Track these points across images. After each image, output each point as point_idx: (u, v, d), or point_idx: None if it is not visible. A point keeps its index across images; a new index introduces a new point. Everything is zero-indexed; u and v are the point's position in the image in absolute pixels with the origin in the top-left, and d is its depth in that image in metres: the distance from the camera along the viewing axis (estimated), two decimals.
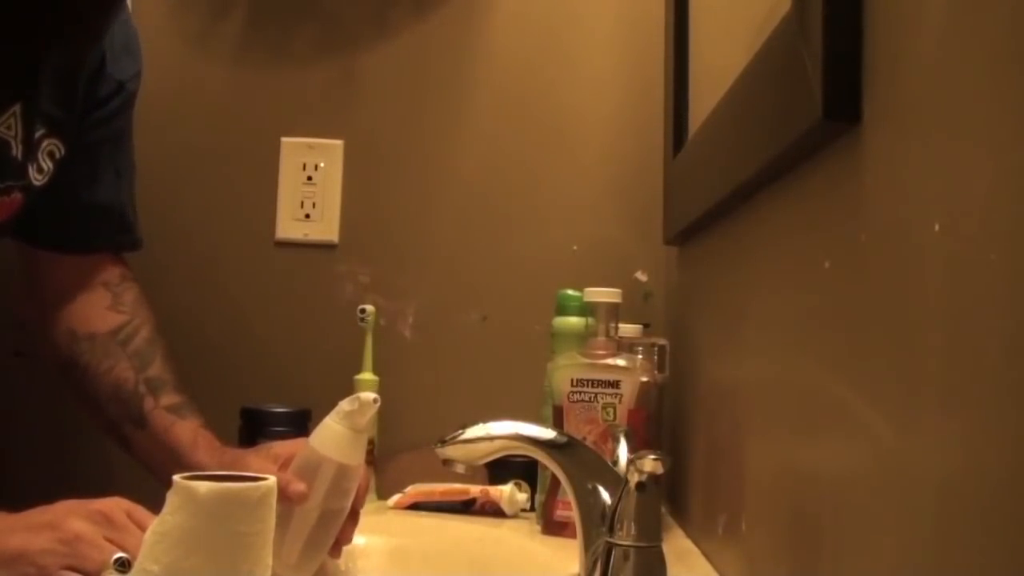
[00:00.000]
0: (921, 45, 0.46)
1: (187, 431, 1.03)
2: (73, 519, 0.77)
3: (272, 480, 0.67)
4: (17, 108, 0.94)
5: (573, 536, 0.75)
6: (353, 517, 0.91)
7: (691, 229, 1.08)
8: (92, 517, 0.78)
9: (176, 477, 0.66)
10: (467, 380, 1.37)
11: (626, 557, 0.64)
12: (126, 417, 1.06)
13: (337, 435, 0.88)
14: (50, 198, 1.02)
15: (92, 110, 1.07)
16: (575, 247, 1.38)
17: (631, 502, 0.64)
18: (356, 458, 0.88)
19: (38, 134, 0.97)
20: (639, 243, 1.36)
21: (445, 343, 1.38)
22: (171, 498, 0.66)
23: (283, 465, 0.89)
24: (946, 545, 0.41)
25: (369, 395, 0.88)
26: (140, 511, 0.79)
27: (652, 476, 0.64)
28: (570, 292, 1.18)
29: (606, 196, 1.38)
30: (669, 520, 1.10)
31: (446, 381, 1.37)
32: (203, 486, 0.65)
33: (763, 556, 0.73)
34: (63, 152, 1.01)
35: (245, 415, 1.21)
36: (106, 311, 1.11)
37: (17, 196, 0.97)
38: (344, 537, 0.90)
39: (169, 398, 1.07)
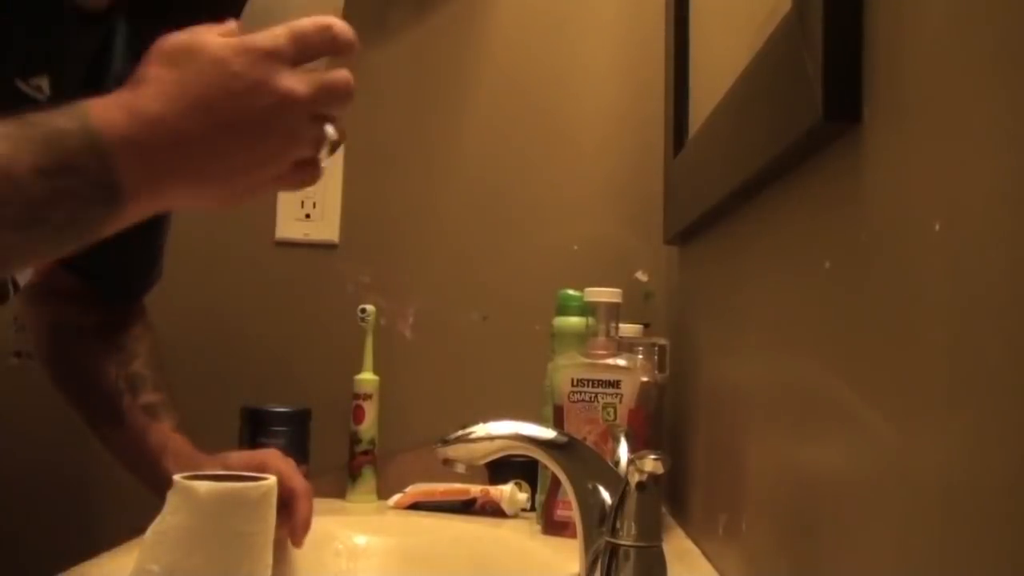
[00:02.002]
0: (921, 45, 0.46)
1: (159, 436, 1.02)
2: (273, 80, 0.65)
3: (272, 480, 0.67)
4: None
5: (573, 536, 0.75)
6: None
7: (691, 229, 1.08)
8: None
9: (176, 477, 0.66)
10: (467, 380, 1.37)
11: (626, 557, 0.64)
12: (104, 413, 1.05)
13: None
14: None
15: None
16: (575, 247, 1.38)
17: (631, 502, 0.64)
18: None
19: None
20: (639, 243, 1.36)
21: (445, 343, 1.38)
22: (171, 498, 0.66)
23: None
24: (947, 545, 0.41)
25: None
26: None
27: (652, 476, 0.63)
28: (570, 292, 1.18)
29: (606, 196, 1.38)
30: (669, 520, 1.10)
31: (446, 381, 1.37)
32: (203, 486, 0.65)
33: (763, 556, 0.73)
34: None
35: (245, 415, 1.21)
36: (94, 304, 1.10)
37: None
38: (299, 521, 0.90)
39: (147, 396, 1.05)
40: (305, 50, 0.66)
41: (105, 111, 0.63)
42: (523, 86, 1.41)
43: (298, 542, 0.92)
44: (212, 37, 0.66)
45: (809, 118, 0.56)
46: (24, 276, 0.91)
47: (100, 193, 0.62)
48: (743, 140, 0.76)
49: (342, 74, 0.68)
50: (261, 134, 0.65)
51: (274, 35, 0.66)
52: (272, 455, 0.95)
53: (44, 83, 0.83)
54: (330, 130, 0.68)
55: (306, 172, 0.69)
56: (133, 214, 0.65)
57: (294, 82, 0.65)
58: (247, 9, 0.85)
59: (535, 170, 1.40)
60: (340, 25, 0.68)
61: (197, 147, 0.64)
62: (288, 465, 0.94)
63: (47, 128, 0.62)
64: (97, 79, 0.88)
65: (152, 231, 1.06)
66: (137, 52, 0.88)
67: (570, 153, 1.40)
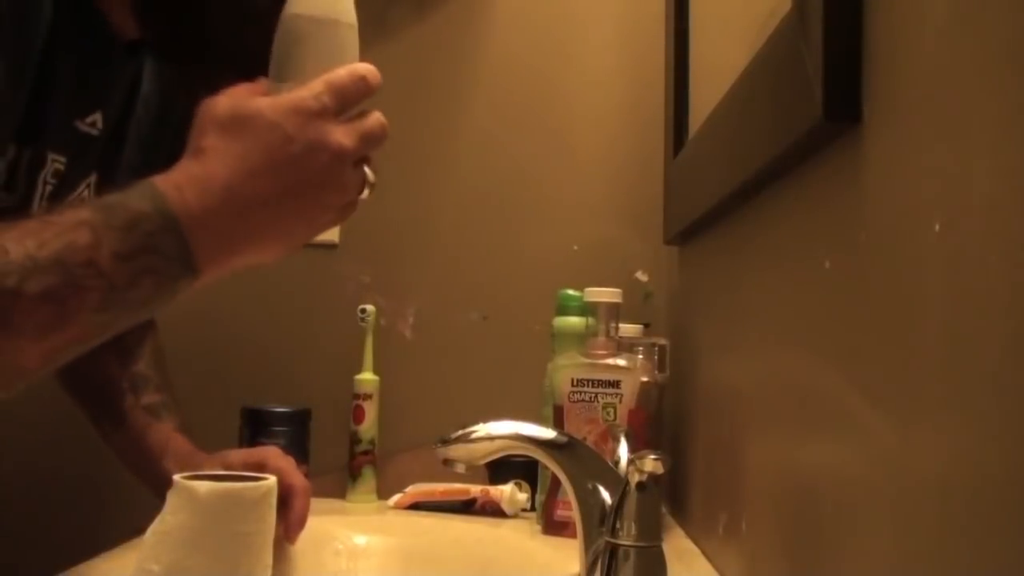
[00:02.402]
0: (921, 45, 0.46)
1: (160, 436, 1.03)
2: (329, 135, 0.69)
3: (272, 480, 0.68)
4: (93, 178, 0.89)
5: (573, 536, 0.75)
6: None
7: (691, 229, 1.08)
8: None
9: (176, 477, 0.66)
10: (467, 380, 1.37)
11: (626, 557, 0.64)
12: (107, 413, 1.06)
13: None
14: None
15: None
16: (575, 247, 1.38)
17: (631, 502, 0.64)
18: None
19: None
20: (639, 243, 1.36)
21: (445, 343, 1.38)
22: (171, 498, 0.66)
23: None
24: (946, 545, 0.41)
25: None
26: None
27: (652, 476, 0.64)
28: (570, 292, 1.18)
29: (606, 196, 1.38)
30: (669, 520, 1.10)
31: (446, 381, 1.37)
32: (203, 486, 0.65)
33: (763, 556, 0.73)
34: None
35: (245, 415, 1.21)
36: None
37: None
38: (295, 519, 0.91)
39: (149, 396, 1.06)
40: (345, 102, 0.70)
41: (176, 189, 0.66)
42: (523, 86, 1.41)
43: (292, 538, 0.92)
44: (261, 102, 0.68)
45: (809, 118, 0.56)
46: None
47: (177, 269, 0.66)
48: (743, 140, 0.76)
49: (377, 118, 0.72)
50: (319, 190, 0.69)
51: (316, 93, 0.69)
52: (271, 452, 0.95)
53: (98, 119, 0.85)
54: (369, 173, 0.73)
55: (347, 212, 0.73)
56: (206, 280, 0.69)
57: (343, 136, 0.69)
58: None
59: (535, 170, 1.40)
60: (370, 71, 0.72)
61: (264, 212, 0.68)
62: (287, 462, 0.94)
63: (124, 213, 0.65)
64: (131, 109, 0.90)
65: None
66: (166, 83, 0.88)
67: (570, 153, 1.40)
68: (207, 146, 0.68)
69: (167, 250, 0.65)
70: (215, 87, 0.80)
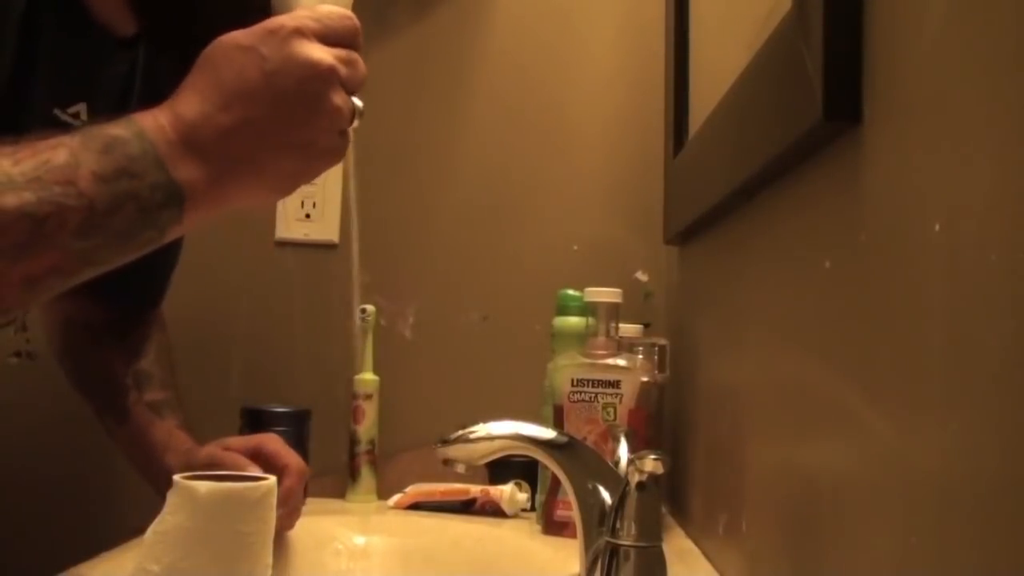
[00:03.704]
0: (921, 45, 0.46)
1: (162, 433, 1.03)
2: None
3: (272, 480, 0.67)
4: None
5: (573, 536, 0.74)
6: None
7: (691, 229, 1.08)
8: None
9: (176, 477, 0.66)
10: (467, 380, 1.37)
11: (626, 557, 0.64)
12: (111, 409, 1.06)
13: None
14: None
15: None
16: (575, 247, 1.38)
17: (631, 502, 0.64)
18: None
19: None
20: (639, 243, 1.36)
21: (445, 343, 1.38)
22: (171, 498, 0.66)
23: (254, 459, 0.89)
24: (946, 545, 0.41)
25: None
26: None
27: (652, 476, 0.63)
28: (570, 292, 1.18)
29: (606, 196, 1.38)
30: (669, 520, 1.10)
31: (446, 381, 1.37)
32: (203, 486, 0.65)
33: (763, 556, 0.73)
34: None
35: (245, 415, 1.21)
36: None
37: None
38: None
39: (153, 394, 1.06)
40: (327, 30, 0.67)
41: (154, 119, 0.64)
42: (523, 86, 1.41)
43: (285, 526, 0.91)
44: (236, 32, 0.66)
45: (809, 118, 0.56)
46: None
47: (160, 196, 0.63)
48: (743, 140, 0.76)
49: (352, 52, 0.69)
50: (302, 109, 0.66)
51: (296, 15, 0.67)
52: (268, 437, 0.95)
53: (82, 110, 0.84)
54: (357, 102, 0.69)
55: (340, 145, 0.70)
56: (198, 215, 0.66)
57: (321, 52, 0.66)
58: None
59: (535, 170, 1.40)
60: (356, 20, 0.69)
61: (245, 135, 0.65)
62: (282, 445, 0.94)
63: (102, 136, 0.63)
64: (125, 104, 0.89)
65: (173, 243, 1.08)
66: (159, 76, 0.88)
67: (570, 153, 1.39)
68: (186, 83, 0.66)
69: (147, 175, 0.63)
70: None
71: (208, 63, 0.66)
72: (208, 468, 0.87)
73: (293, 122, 0.66)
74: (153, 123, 0.64)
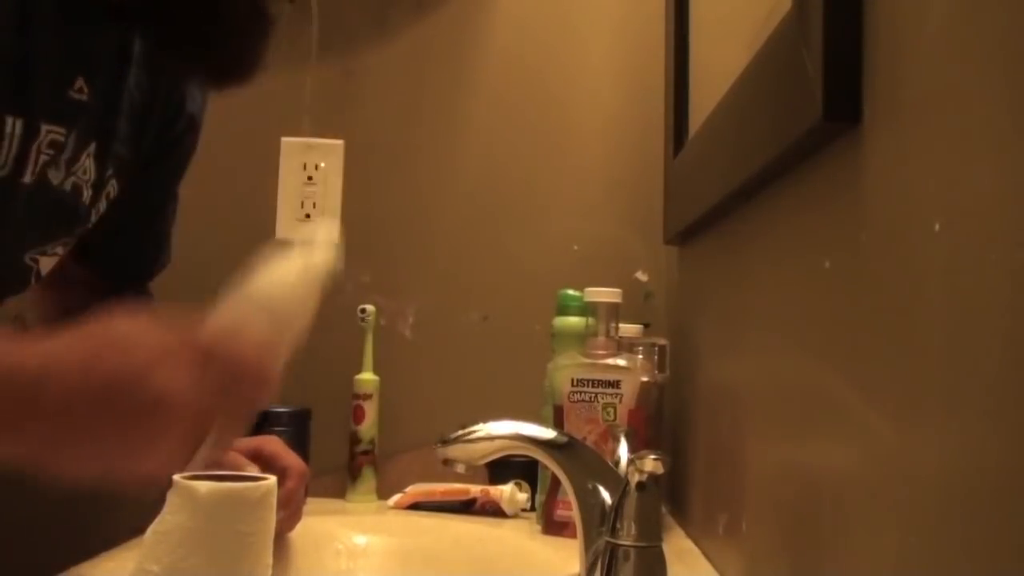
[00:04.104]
0: (921, 45, 0.46)
1: None
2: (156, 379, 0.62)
3: (272, 480, 0.67)
4: (92, 148, 0.88)
5: (573, 536, 0.74)
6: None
7: (691, 229, 1.08)
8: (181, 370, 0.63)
9: (176, 477, 0.66)
10: (467, 380, 1.37)
11: (626, 557, 0.64)
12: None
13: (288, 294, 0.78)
14: (107, 229, 0.95)
15: (166, 149, 1.01)
16: (575, 247, 1.38)
17: (631, 502, 0.64)
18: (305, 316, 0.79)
19: (106, 174, 0.91)
20: (639, 243, 1.36)
21: (445, 343, 1.38)
22: (171, 498, 0.66)
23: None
24: (946, 545, 0.41)
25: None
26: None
27: (652, 476, 0.63)
28: (570, 292, 1.18)
29: (606, 196, 1.38)
30: (669, 520, 1.10)
31: (446, 381, 1.37)
32: (203, 486, 0.65)
33: (763, 556, 0.73)
34: (117, 192, 0.94)
35: None
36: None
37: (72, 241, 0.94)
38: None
39: None
40: (226, 359, 0.66)
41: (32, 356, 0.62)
42: (523, 86, 1.41)
43: (285, 528, 0.91)
44: (157, 331, 0.64)
45: (809, 118, 0.56)
46: (45, 268, 0.92)
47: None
48: (743, 140, 0.76)
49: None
50: (131, 430, 0.62)
51: (190, 333, 0.65)
52: (269, 439, 0.95)
53: (82, 84, 0.84)
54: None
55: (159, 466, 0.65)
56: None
57: (179, 390, 0.62)
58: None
59: (535, 170, 1.40)
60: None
61: (61, 422, 0.62)
62: (282, 446, 0.94)
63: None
64: (121, 75, 0.88)
65: (157, 217, 1.07)
66: (152, 64, 0.87)
67: (570, 153, 1.39)
68: (62, 340, 0.63)
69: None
70: (194, 66, 0.80)
71: (89, 340, 0.63)
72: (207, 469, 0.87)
73: (108, 433, 0.62)
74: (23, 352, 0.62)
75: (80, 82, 0.83)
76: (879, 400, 0.49)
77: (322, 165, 1.40)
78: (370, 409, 1.26)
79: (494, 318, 1.38)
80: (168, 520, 0.65)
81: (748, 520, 0.77)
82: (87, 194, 0.90)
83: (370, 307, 1.28)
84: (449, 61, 1.42)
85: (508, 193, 1.40)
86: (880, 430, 0.49)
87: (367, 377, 1.27)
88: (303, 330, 0.76)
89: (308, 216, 1.40)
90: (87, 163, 0.88)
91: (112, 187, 0.94)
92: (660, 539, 0.65)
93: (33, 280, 0.91)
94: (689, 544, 0.99)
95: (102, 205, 0.94)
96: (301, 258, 0.77)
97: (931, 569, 0.43)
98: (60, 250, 0.92)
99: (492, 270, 1.39)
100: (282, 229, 1.40)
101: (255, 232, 1.40)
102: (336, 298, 1.36)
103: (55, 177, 0.85)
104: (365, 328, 1.27)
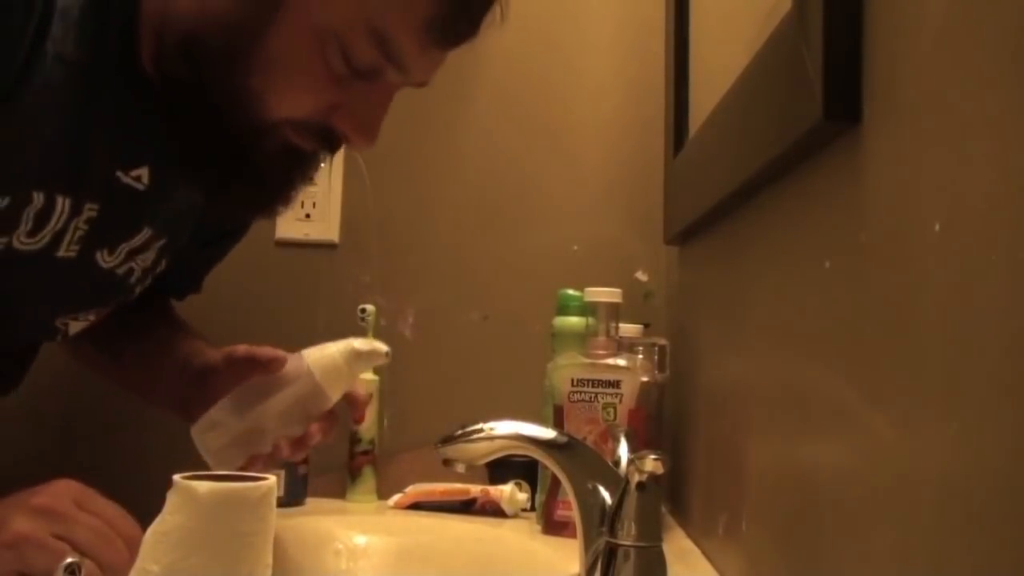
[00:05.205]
0: (921, 45, 0.46)
1: (182, 343, 1.04)
2: (15, 518, 0.71)
3: (272, 480, 0.67)
4: (163, 242, 0.90)
5: (573, 536, 0.74)
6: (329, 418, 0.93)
7: (691, 229, 1.08)
8: (35, 513, 0.71)
9: (176, 477, 0.66)
10: (467, 380, 1.37)
11: (626, 557, 0.64)
12: (125, 344, 1.06)
13: (335, 365, 0.90)
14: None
15: (225, 241, 1.07)
16: (575, 247, 1.38)
17: (631, 502, 0.64)
18: (336, 393, 0.90)
19: (163, 262, 0.94)
20: (639, 243, 1.36)
21: (445, 343, 1.38)
22: (171, 498, 0.66)
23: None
24: (945, 544, 0.41)
25: (383, 347, 0.91)
26: (91, 496, 0.74)
27: (652, 476, 0.63)
28: (570, 292, 1.18)
29: (606, 196, 1.38)
30: (669, 520, 1.10)
31: (446, 381, 1.37)
32: (203, 486, 0.65)
33: (763, 556, 0.73)
34: (163, 267, 0.97)
35: None
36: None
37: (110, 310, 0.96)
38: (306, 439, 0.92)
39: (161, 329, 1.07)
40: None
41: None
42: (523, 86, 1.41)
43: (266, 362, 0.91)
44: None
45: (809, 118, 0.56)
46: (74, 329, 0.93)
47: None
48: (743, 140, 0.76)
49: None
50: None
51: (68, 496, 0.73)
52: (236, 347, 0.95)
53: (144, 174, 0.85)
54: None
55: None
56: None
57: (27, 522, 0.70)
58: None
59: (535, 170, 1.40)
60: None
61: None
62: (249, 346, 0.94)
63: None
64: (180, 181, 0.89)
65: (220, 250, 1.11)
66: None
67: (570, 153, 1.39)
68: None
69: None
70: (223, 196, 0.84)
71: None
72: (229, 364, 0.92)
73: None
74: None
75: (142, 171, 0.84)
76: (879, 400, 0.49)
77: (322, 165, 1.39)
78: (370, 409, 1.26)
79: (494, 318, 1.38)
80: (168, 520, 0.65)
81: (748, 520, 0.77)
82: (137, 276, 0.92)
83: (370, 307, 1.27)
84: (449, 61, 1.42)
85: (508, 193, 1.40)
86: (880, 430, 0.49)
87: (367, 377, 1.27)
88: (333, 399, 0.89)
89: (308, 216, 1.40)
90: (151, 255, 0.90)
91: (163, 266, 0.96)
92: (660, 539, 0.65)
93: (59, 339, 0.92)
94: (689, 544, 0.99)
95: (148, 280, 0.96)
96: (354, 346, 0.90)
97: (931, 569, 0.43)
98: (92, 316, 0.93)
99: (492, 270, 1.39)
100: (282, 228, 1.40)
101: (255, 231, 1.40)
102: (336, 298, 1.37)
103: (106, 260, 0.87)
104: (365, 328, 1.27)
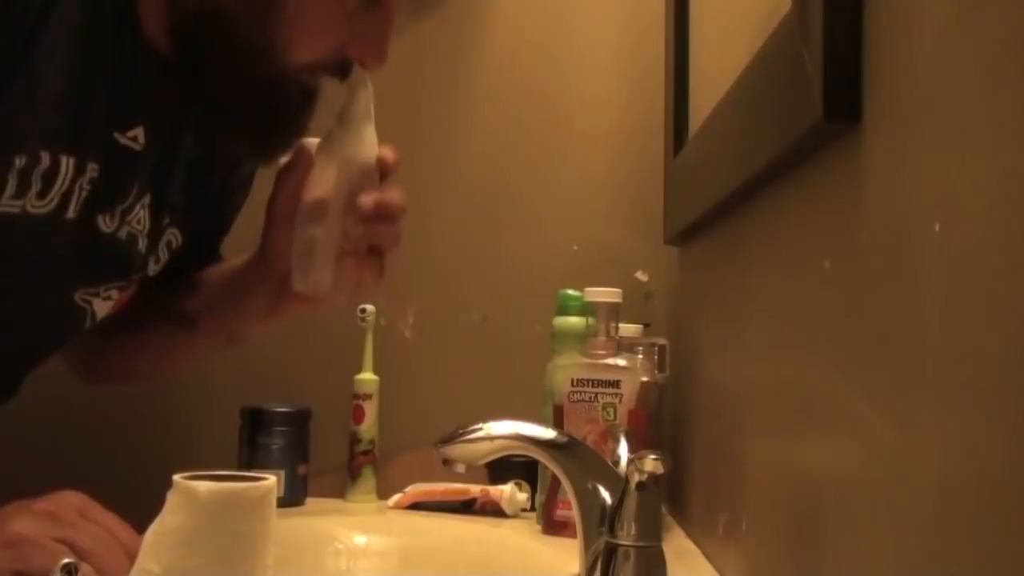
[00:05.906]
0: (921, 45, 0.46)
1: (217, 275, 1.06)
2: (16, 519, 0.72)
3: (272, 480, 0.67)
4: (148, 199, 0.90)
5: (573, 536, 0.74)
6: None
7: (691, 229, 1.08)
8: (37, 516, 0.73)
9: (176, 477, 0.66)
10: (467, 380, 1.37)
11: (626, 557, 0.64)
12: (173, 319, 1.06)
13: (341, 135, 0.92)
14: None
15: (228, 200, 1.05)
16: (575, 247, 1.38)
17: (631, 502, 0.64)
18: (367, 147, 0.95)
19: (163, 224, 0.94)
20: (639, 243, 1.36)
21: (445, 343, 1.38)
22: (171, 498, 0.66)
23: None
24: (946, 544, 0.41)
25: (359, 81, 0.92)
26: (94, 507, 0.75)
27: (652, 476, 0.64)
28: (570, 292, 1.18)
29: (606, 196, 1.38)
30: (669, 520, 1.10)
31: (446, 381, 1.37)
32: (203, 486, 0.65)
33: (763, 556, 0.73)
34: (180, 242, 0.97)
35: (245, 415, 1.21)
36: None
37: (133, 289, 0.95)
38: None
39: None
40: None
41: None
42: (523, 85, 1.41)
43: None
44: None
45: (809, 118, 0.56)
46: (100, 311, 0.93)
47: None
48: (743, 140, 0.76)
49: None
50: None
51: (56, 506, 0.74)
52: None
53: (139, 134, 0.85)
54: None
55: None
56: None
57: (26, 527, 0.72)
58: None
59: (535, 170, 1.40)
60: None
61: None
62: None
63: None
64: (179, 130, 0.90)
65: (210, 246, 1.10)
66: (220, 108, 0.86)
67: (570, 153, 1.39)
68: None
69: None
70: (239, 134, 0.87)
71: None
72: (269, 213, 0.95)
73: None
74: None
75: (137, 131, 0.85)
76: (879, 400, 0.49)
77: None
78: (370, 409, 1.26)
79: (494, 318, 1.38)
80: (168, 520, 0.65)
81: (748, 520, 0.77)
82: (142, 243, 0.91)
83: (370, 307, 1.27)
84: (448, 61, 1.42)
85: (508, 193, 1.40)
86: (880, 430, 0.49)
87: (367, 377, 1.27)
88: None
89: None
90: (141, 213, 0.90)
91: (174, 237, 0.96)
92: (660, 539, 0.65)
93: (88, 322, 0.92)
94: (689, 544, 0.99)
95: (162, 254, 0.96)
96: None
97: (931, 569, 0.43)
98: (115, 293, 0.93)
99: (492, 270, 1.39)
100: None
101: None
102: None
103: (107, 224, 0.86)
104: (365, 328, 1.27)
